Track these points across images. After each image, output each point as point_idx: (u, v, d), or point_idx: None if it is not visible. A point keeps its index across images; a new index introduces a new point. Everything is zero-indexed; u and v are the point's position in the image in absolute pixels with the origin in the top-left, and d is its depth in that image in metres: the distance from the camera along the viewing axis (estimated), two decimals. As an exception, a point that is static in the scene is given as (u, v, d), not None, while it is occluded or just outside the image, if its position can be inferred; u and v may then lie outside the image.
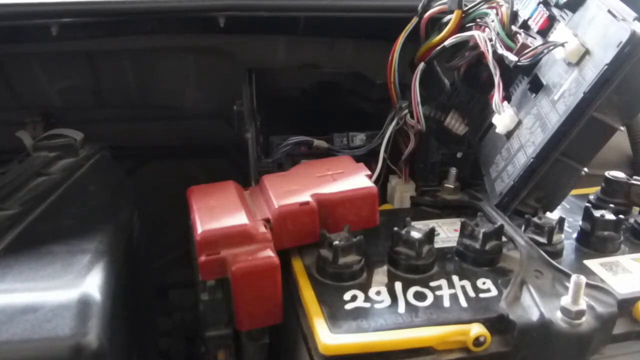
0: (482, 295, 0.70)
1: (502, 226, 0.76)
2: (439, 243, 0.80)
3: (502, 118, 0.83)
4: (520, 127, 0.84)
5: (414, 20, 0.95)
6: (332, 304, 0.68)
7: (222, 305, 0.75)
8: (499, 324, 0.66)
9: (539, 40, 0.84)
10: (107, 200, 0.92)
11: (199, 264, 0.71)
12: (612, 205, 0.82)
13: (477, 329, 0.65)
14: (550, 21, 0.84)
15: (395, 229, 0.75)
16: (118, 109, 1.22)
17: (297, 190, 0.80)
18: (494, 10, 0.87)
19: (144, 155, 1.26)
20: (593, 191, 0.90)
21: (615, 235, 0.80)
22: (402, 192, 0.96)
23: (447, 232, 0.83)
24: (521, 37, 0.84)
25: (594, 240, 0.80)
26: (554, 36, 0.82)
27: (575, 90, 0.75)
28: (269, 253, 0.71)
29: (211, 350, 0.78)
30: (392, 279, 0.73)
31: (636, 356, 0.73)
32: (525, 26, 0.88)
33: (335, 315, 0.66)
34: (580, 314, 0.63)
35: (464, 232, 0.77)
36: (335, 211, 0.78)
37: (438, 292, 0.71)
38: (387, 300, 0.69)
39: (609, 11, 0.74)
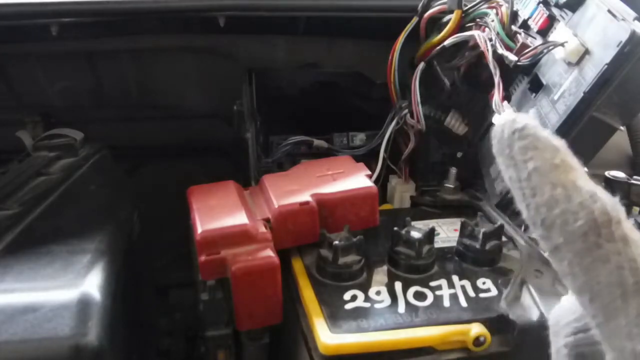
0: (482, 295, 0.70)
1: (502, 226, 0.76)
2: (439, 243, 0.80)
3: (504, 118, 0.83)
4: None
5: (414, 20, 0.95)
6: (332, 304, 0.68)
7: (222, 305, 0.75)
8: (499, 324, 0.66)
9: (538, 40, 0.84)
10: (107, 200, 0.92)
11: (199, 264, 0.71)
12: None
13: (477, 329, 0.65)
14: (550, 21, 0.84)
15: (395, 229, 0.75)
16: (118, 109, 1.22)
17: (297, 190, 0.80)
18: (494, 10, 0.87)
19: (144, 155, 1.26)
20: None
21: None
22: (402, 192, 0.96)
23: (447, 232, 0.84)
24: (521, 37, 0.84)
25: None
26: (554, 36, 0.82)
27: (575, 90, 0.75)
28: (269, 253, 0.71)
29: (211, 350, 0.78)
30: (392, 278, 0.73)
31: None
32: (525, 26, 0.88)
33: (335, 315, 0.66)
34: (580, 313, 0.63)
35: (464, 232, 0.77)
36: (335, 211, 0.78)
37: (438, 292, 0.71)
38: (387, 300, 0.69)
39: (609, 11, 0.73)
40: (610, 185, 0.88)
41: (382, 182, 0.94)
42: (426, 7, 0.95)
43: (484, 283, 0.72)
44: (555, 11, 0.84)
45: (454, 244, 0.79)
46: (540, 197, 0.30)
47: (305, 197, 0.78)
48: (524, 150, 0.31)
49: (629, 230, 0.29)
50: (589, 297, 0.30)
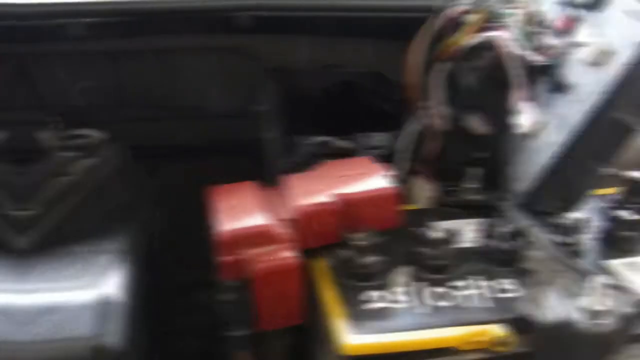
0: (504, 295, 0.70)
1: (524, 227, 0.76)
2: (461, 243, 0.79)
3: (525, 118, 0.83)
4: (543, 127, 0.83)
5: (436, 20, 0.95)
6: (354, 304, 0.68)
7: (244, 306, 0.75)
8: (521, 324, 0.66)
9: (561, 41, 0.83)
10: (129, 200, 0.92)
11: (220, 264, 0.71)
12: (633, 206, 0.81)
13: (499, 329, 0.64)
14: (573, 21, 0.84)
15: (418, 229, 0.75)
16: (141, 108, 1.22)
17: (319, 190, 0.80)
18: (517, 11, 0.87)
19: (166, 155, 1.26)
20: (614, 191, 0.89)
21: (637, 236, 0.79)
22: (425, 192, 0.95)
23: (470, 233, 0.83)
24: (543, 38, 0.84)
25: (616, 241, 0.79)
26: (576, 36, 0.81)
27: (597, 90, 0.75)
28: (290, 253, 0.71)
29: (232, 350, 0.78)
30: (414, 279, 0.73)
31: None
32: (547, 27, 0.87)
33: (357, 315, 0.66)
34: (601, 314, 0.63)
35: (486, 233, 0.76)
36: (357, 211, 0.78)
37: (460, 293, 0.70)
38: (409, 301, 0.69)
39: (631, 12, 0.73)
40: (631, 186, 0.86)
41: (405, 182, 0.94)
42: (448, 8, 0.94)
43: (506, 283, 0.72)
44: (578, 12, 0.83)
45: (477, 244, 0.78)
46: None
47: (327, 197, 0.78)
48: None
49: None
50: None
